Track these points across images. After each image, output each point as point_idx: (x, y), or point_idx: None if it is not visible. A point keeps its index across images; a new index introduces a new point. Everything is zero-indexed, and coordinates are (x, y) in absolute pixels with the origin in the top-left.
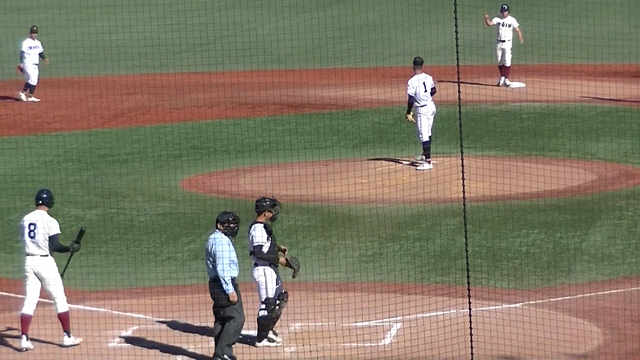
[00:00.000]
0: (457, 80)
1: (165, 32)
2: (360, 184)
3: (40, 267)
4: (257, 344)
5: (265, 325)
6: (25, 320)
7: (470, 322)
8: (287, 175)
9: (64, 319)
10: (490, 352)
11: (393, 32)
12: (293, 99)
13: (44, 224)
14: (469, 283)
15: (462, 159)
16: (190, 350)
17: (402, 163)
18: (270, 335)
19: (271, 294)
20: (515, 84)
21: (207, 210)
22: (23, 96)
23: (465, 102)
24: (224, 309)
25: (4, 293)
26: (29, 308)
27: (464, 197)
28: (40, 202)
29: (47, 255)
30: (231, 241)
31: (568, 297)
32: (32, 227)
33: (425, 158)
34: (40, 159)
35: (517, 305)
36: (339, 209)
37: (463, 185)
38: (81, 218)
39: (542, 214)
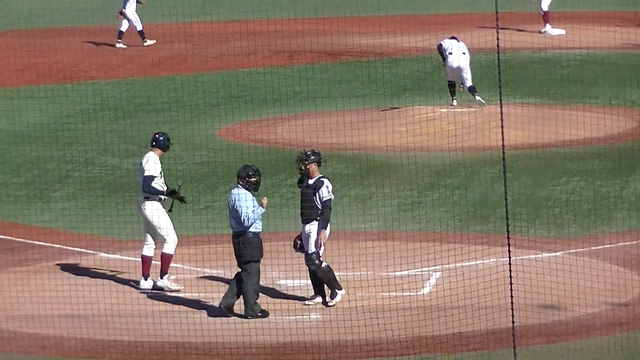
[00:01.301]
0: (496, 27)
1: None
2: (399, 132)
3: (143, 209)
4: (330, 302)
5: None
6: (144, 261)
7: (510, 271)
8: (324, 124)
9: (163, 260)
10: (530, 301)
11: None
12: (331, 47)
13: (144, 165)
14: (508, 232)
15: (501, 107)
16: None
17: (440, 111)
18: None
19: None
20: (555, 31)
21: (244, 159)
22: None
23: (505, 49)
24: (248, 264)
25: (42, 243)
26: (147, 249)
27: (503, 145)
28: (154, 143)
29: (147, 198)
30: (254, 195)
31: (609, 246)
32: (139, 171)
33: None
34: (77, 108)
35: (557, 254)
36: (378, 158)
37: (502, 133)
38: (118, 167)
39: (582, 161)
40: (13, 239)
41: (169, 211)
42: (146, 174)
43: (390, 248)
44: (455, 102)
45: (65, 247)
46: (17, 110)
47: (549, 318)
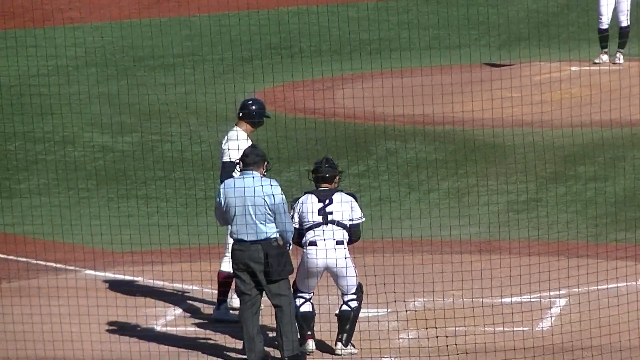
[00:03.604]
0: None
1: None
2: (510, 99)
3: None
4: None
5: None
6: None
7: None
8: (404, 87)
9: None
10: None
11: None
12: None
13: (222, 147)
14: None
15: None
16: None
17: (570, 69)
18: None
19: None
20: None
21: (289, 137)
22: None
23: None
24: (276, 284)
25: (1, 255)
26: (226, 265)
27: None
28: (241, 114)
29: None
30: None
31: None
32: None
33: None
34: (51, 63)
35: None
36: (480, 136)
37: None
38: (109, 148)
39: None
40: None
41: None
42: (224, 159)
43: (496, 264)
44: (605, 58)
45: (34, 261)
46: None
47: None
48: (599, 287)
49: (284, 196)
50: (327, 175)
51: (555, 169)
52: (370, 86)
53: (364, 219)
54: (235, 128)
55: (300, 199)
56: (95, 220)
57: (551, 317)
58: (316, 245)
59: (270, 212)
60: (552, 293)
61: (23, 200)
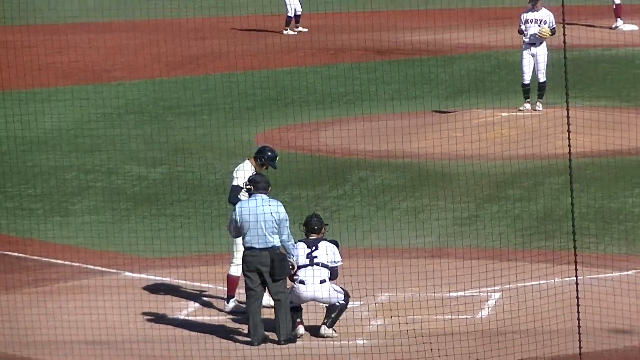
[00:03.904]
0: (562, 22)
1: None
2: (455, 138)
3: None
4: (327, 331)
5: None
6: (232, 281)
7: (577, 291)
8: (372, 129)
9: (229, 281)
10: (599, 325)
11: None
12: (380, 43)
13: (234, 174)
14: (575, 248)
15: (568, 110)
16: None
17: (501, 114)
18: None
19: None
20: (627, 26)
21: (283, 168)
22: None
23: (572, 46)
24: (277, 283)
25: (59, 261)
26: (235, 269)
27: (569, 153)
28: (256, 154)
29: None
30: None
31: None
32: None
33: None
34: (99, 112)
35: (630, 272)
36: (431, 166)
37: (569, 139)
38: (144, 177)
39: None
40: (28, 256)
41: None
42: (233, 183)
43: (445, 266)
44: (527, 106)
45: (85, 265)
46: (33, 115)
47: (620, 343)
48: (525, 283)
49: (286, 214)
50: (315, 227)
51: (490, 192)
52: (347, 128)
53: (342, 263)
54: (246, 161)
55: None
56: (133, 234)
57: (488, 307)
58: (304, 284)
59: (276, 226)
60: (489, 289)
61: (77, 218)
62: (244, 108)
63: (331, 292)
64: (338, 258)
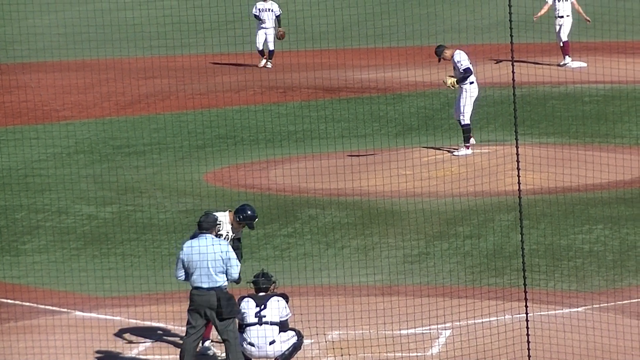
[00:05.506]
0: (511, 60)
1: (187, 9)
2: (404, 176)
3: None
4: None
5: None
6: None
7: (528, 328)
8: (322, 167)
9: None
10: None
11: (440, 6)
12: (329, 82)
13: None
14: (525, 285)
15: (517, 147)
16: None
17: (450, 152)
18: None
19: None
20: (575, 64)
21: (234, 207)
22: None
23: (521, 83)
24: (224, 322)
25: (9, 300)
26: None
27: (519, 190)
28: (237, 211)
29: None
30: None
31: (636, 300)
32: None
33: (465, 142)
34: (49, 151)
35: (579, 309)
36: (381, 204)
37: (518, 176)
38: (94, 216)
39: (607, 207)
40: None
41: None
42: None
43: (395, 304)
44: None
45: (36, 305)
46: None
47: None
48: (476, 320)
49: (232, 251)
50: (263, 286)
51: (440, 229)
52: (297, 166)
53: (290, 315)
54: (227, 214)
55: (244, 299)
56: (84, 273)
57: (439, 345)
58: (254, 346)
59: (222, 265)
60: (439, 326)
61: (27, 258)
62: (193, 147)
63: (283, 349)
64: (287, 312)
